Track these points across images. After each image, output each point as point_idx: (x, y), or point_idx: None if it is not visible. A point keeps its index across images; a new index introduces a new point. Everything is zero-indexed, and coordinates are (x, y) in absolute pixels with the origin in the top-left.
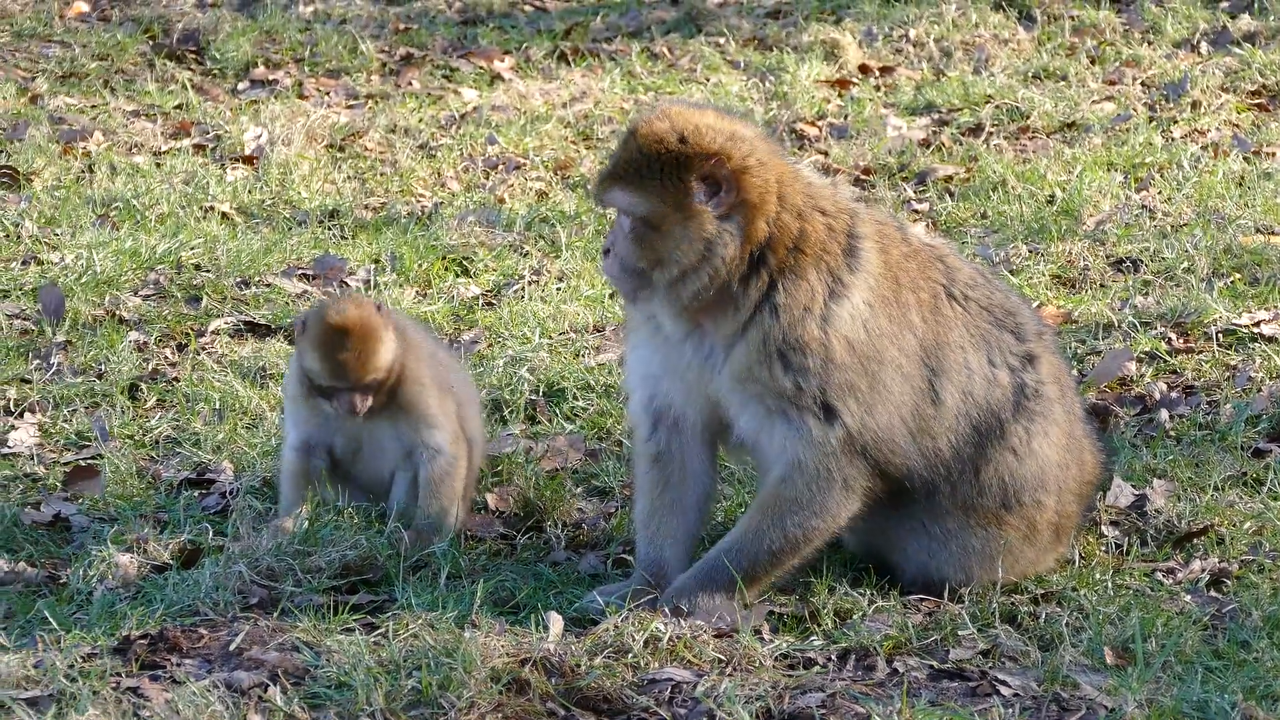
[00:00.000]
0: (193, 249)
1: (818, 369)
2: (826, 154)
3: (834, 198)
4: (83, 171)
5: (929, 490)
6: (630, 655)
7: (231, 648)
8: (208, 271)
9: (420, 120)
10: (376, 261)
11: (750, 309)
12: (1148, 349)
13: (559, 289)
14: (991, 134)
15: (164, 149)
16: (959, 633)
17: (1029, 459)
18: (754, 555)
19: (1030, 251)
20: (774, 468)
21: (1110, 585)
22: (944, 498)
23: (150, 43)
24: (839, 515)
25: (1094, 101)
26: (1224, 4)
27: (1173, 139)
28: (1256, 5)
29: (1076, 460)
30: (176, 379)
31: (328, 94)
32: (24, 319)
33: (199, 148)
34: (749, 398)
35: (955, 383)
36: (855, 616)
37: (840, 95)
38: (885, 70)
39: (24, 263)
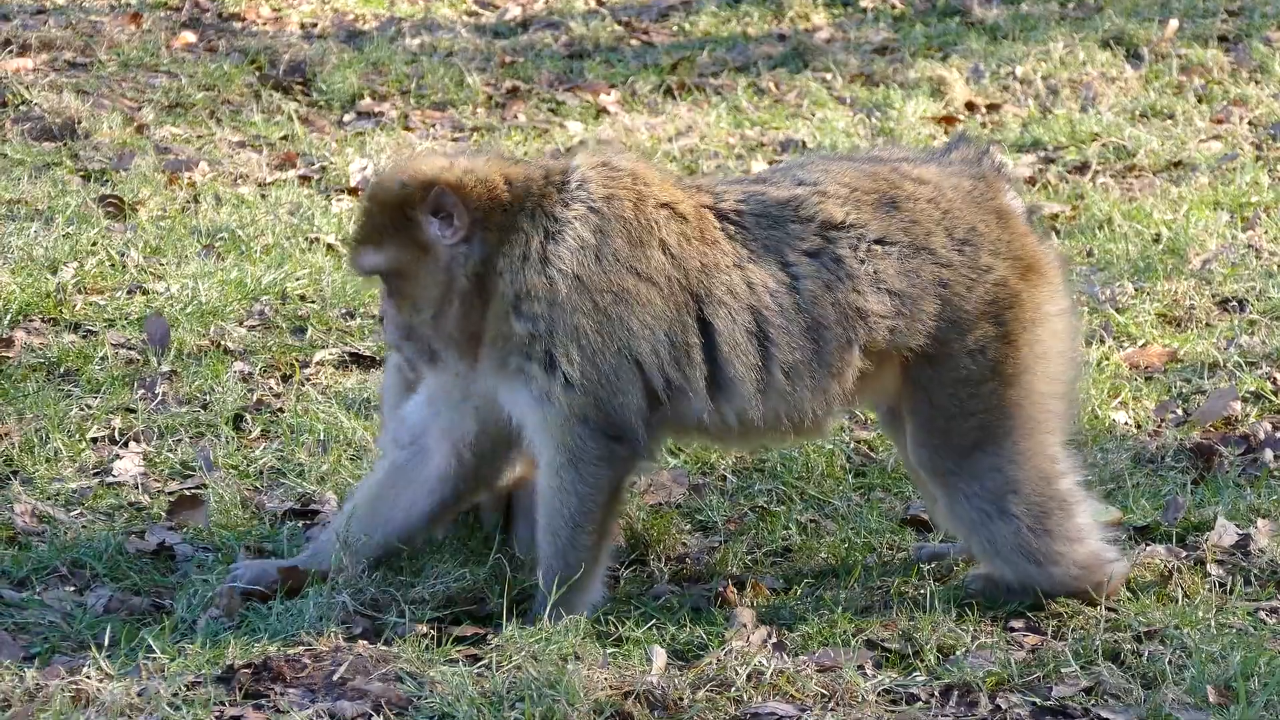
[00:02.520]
0: (298, 280)
1: (545, 312)
2: None
3: (560, 161)
4: (188, 201)
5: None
6: (733, 689)
7: (335, 678)
8: (313, 302)
9: (526, 153)
10: None
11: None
12: (1253, 389)
13: None
14: (1098, 172)
15: (269, 180)
16: (1062, 670)
17: (922, 301)
18: (567, 549)
19: (1136, 290)
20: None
21: (1213, 624)
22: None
23: (256, 74)
24: (605, 474)
25: (1201, 140)
26: None
27: None
28: None
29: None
30: (281, 409)
31: (433, 126)
32: (129, 349)
33: (304, 179)
34: (504, 375)
35: (734, 304)
36: (958, 652)
37: (947, 132)
38: (992, 107)
39: (129, 292)
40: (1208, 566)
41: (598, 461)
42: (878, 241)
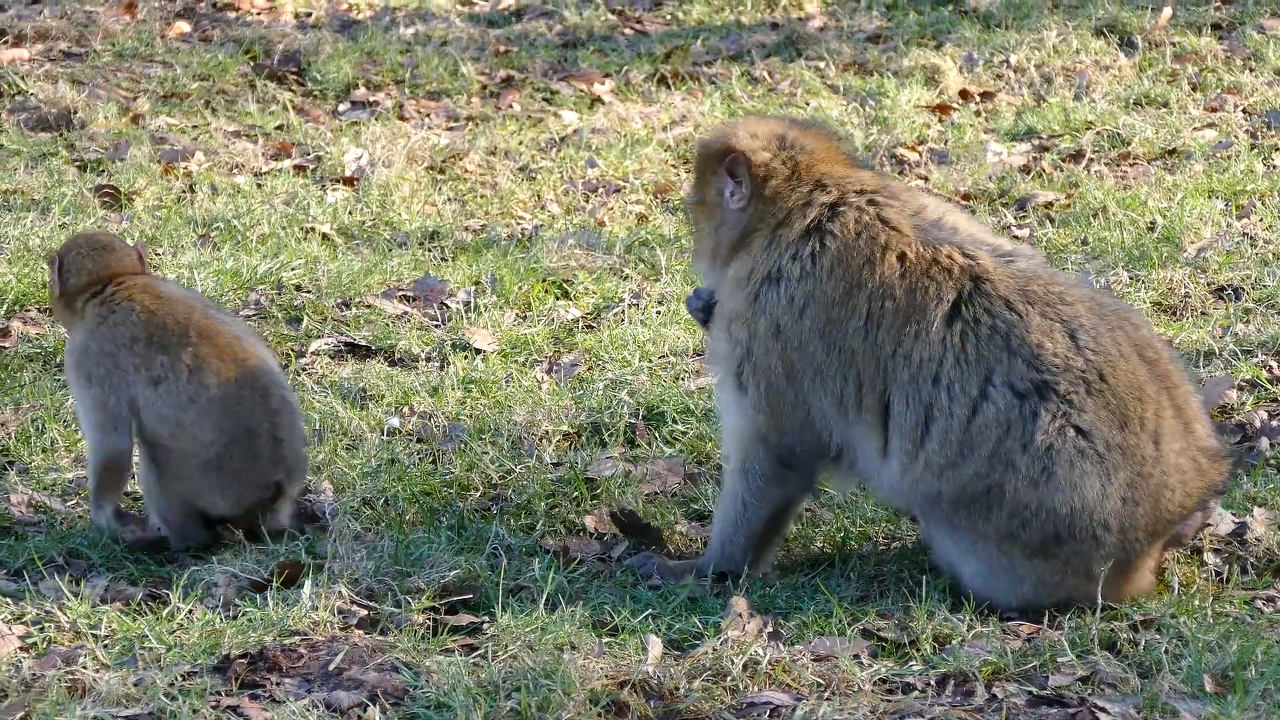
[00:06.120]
0: (293, 269)
1: (745, 340)
2: (927, 179)
3: (851, 179)
4: (184, 191)
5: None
6: (729, 678)
7: (331, 667)
8: (308, 292)
9: (520, 143)
10: (477, 283)
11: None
12: (1249, 377)
13: (659, 312)
14: (1092, 160)
15: (265, 170)
16: (1058, 659)
17: (1056, 494)
18: (726, 541)
19: (1131, 278)
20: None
21: (1210, 613)
22: (971, 516)
23: (251, 64)
24: (771, 492)
25: (1195, 128)
26: None
27: (1274, 166)
28: None
29: (1149, 498)
30: None
31: (428, 116)
32: None
33: (299, 169)
34: (714, 366)
35: (914, 394)
36: (954, 642)
37: (941, 120)
38: (986, 95)
39: None
40: (1204, 555)
41: (765, 479)
42: (1080, 432)
